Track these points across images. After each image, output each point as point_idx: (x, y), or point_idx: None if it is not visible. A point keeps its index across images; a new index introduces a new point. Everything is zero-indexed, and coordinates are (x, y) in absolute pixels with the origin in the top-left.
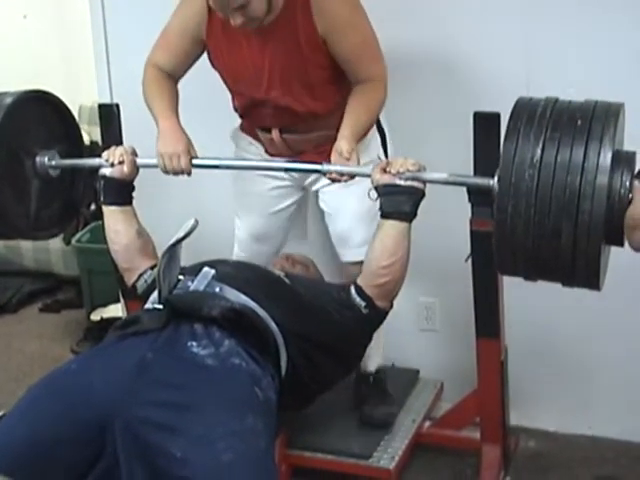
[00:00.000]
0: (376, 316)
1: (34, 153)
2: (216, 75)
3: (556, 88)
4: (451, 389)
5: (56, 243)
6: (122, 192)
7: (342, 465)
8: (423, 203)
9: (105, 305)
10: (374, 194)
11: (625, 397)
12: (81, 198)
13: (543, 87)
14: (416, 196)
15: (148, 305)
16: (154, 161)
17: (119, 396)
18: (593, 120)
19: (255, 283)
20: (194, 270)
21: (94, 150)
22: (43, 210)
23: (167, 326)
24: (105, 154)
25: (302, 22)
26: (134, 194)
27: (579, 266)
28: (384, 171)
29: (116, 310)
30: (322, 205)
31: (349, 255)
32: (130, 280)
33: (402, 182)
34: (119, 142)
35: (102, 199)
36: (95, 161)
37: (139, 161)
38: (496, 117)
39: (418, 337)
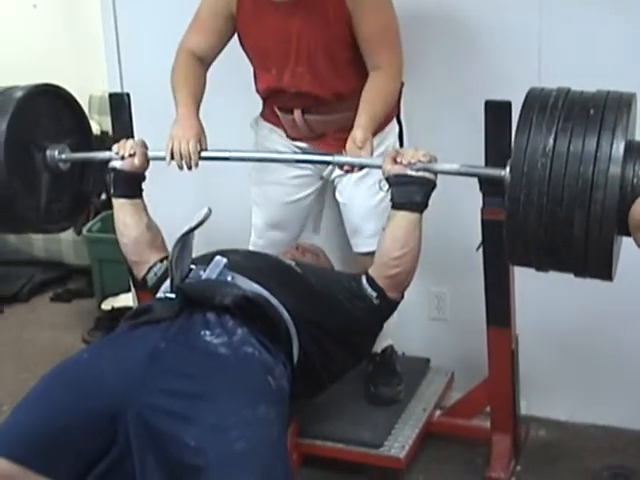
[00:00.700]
0: (387, 307)
1: (44, 147)
2: (239, 61)
3: (568, 77)
4: (461, 378)
5: (67, 233)
6: (132, 185)
7: (353, 454)
8: (434, 192)
9: (116, 294)
10: (385, 185)
11: (637, 387)
12: (91, 191)
13: (555, 77)
14: (427, 187)
15: (160, 294)
16: (164, 154)
17: (131, 385)
18: (606, 110)
19: (267, 272)
20: (206, 259)
21: (104, 140)
22: (53, 203)
23: (179, 315)
24: (115, 147)
25: None
26: (148, 183)
27: (591, 256)
28: (395, 162)
29: (127, 299)
30: (337, 195)
31: (362, 246)
32: (140, 274)
33: (413, 173)
34: (130, 132)
35: (112, 192)
36: (105, 154)
37: (150, 154)
38: (507, 105)
39: (429, 326)
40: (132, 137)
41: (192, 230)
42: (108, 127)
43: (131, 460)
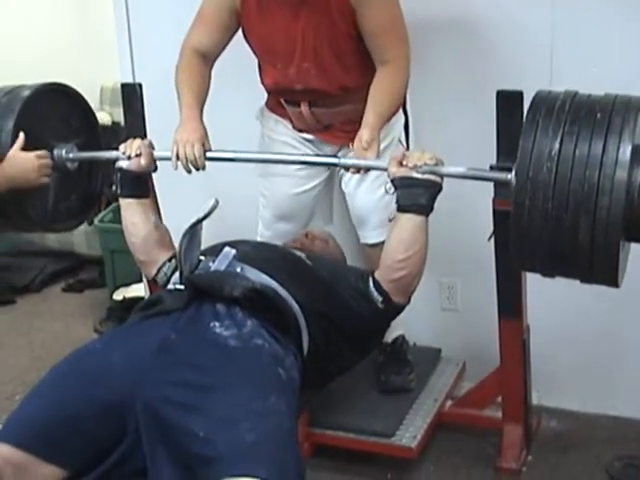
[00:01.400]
0: (391, 311)
1: (52, 146)
2: (243, 52)
3: (579, 68)
4: (473, 368)
5: None
6: (139, 185)
7: (364, 443)
8: (445, 183)
9: (127, 285)
10: (391, 187)
11: None
12: (99, 190)
13: (566, 67)
14: (433, 189)
15: (170, 286)
16: (170, 154)
17: (141, 376)
18: (613, 113)
19: (276, 263)
20: (215, 250)
21: (116, 131)
22: (61, 203)
23: (189, 306)
24: (122, 147)
25: None
26: (155, 176)
27: (597, 263)
28: (401, 164)
29: (138, 290)
30: (343, 186)
31: (369, 237)
32: (150, 274)
33: (419, 175)
34: (142, 122)
35: (119, 192)
36: (112, 154)
37: (156, 154)
38: (519, 95)
39: (440, 317)
40: (144, 127)
41: (200, 221)
42: (120, 118)
43: (143, 450)
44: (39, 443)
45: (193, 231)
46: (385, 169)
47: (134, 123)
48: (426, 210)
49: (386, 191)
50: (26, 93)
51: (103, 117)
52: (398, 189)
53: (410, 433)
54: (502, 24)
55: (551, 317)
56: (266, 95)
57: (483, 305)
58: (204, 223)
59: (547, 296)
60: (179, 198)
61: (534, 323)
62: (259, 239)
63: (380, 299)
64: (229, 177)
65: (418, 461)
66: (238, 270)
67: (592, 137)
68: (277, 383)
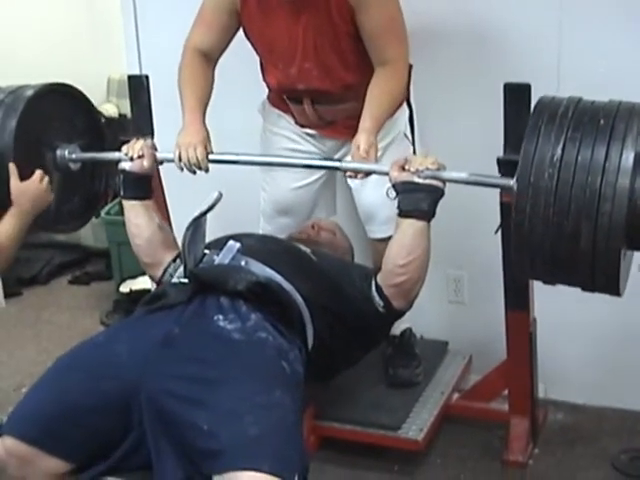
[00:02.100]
0: (392, 316)
1: (55, 146)
2: (244, 47)
3: (587, 64)
4: (480, 361)
5: None
6: (142, 186)
7: (370, 436)
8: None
9: (134, 277)
10: (392, 192)
11: None
12: (102, 192)
13: (574, 65)
14: (435, 194)
15: (174, 279)
16: (172, 156)
17: (145, 369)
18: (616, 120)
19: (281, 256)
20: (219, 243)
21: (123, 123)
22: (64, 204)
23: (193, 300)
24: (124, 148)
25: None
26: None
27: (598, 270)
28: (402, 169)
29: (145, 282)
30: (349, 181)
31: (376, 232)
32: (156, 276)
33: (421, 180)
34: (149, 114)
35: (122, 193)
36: (115, 155)
37: (159, 155)
38: (527, 88)
39: (447, 309)
40: (151, 119)
41: (203, 214)
42: (127, 110)
43: (148, 444)
44: (43, 436)
45: (197, 224)
46: (387, 173)
47: (141, 115)
48: (428, 215)
49: (387, 196)
50: (29, 93)
51: (110, 109)
52: (400, 194)
53: (417, 426)
54: (511, 19)
55: (558, 310)
56: (267, 89)
57: (490, 298)
58: (208, 216)
59: (554, 289)
60: (186, 193)
61: (541, 316)
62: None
63: (381, 304)
64: (235, 169)
65: (425, 454)
66: (242, 264)
67: (595, 143)
68: (281, 377)
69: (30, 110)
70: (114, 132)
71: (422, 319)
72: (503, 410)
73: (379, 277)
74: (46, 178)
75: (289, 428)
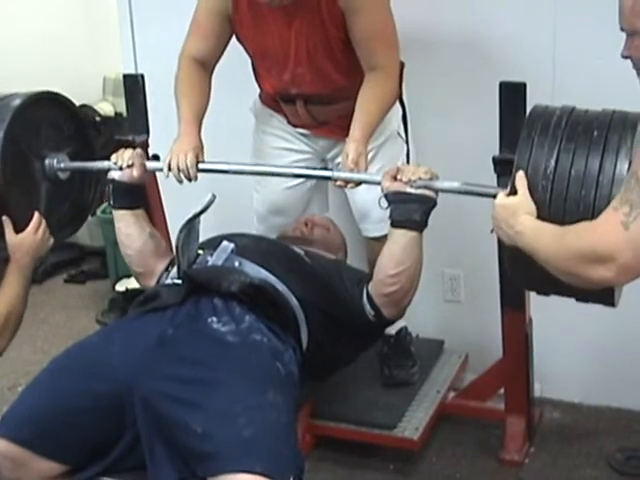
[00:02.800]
0: (382, 324)
1: (43, 155)
2: (236, 45)
3: (582, 64)
4: (476, 360)
5: None
6: (132, 196)
7: (366, 435)
8: (449, 173)
9: (130, 276)
10: (384, 202)
11: None
12: (92, 201)
13: (568, 64)
14: (427, 205)
15: (168, 280)
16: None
17: (138, 371)
18: (610, 131)
19: (275, 257)
20: (213, 243)
21: (119, 122)
22: (53, 213)
23: (187, 301)
24: (114, 157)
25: None
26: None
27: None
28: (394, 179)
29: None
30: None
31: (371, 230)
32: (148, 287)
33: (413, 190)
34: (144, 113)
35: (112, 203)
36: (104, 164)
37: (148, 165)
38: (522, 87)
39: (443, 308)
40: (146, 118)
41: (197, 216)
42: (123, 108)
43: (142, 445)
44: (37, 438)
45: (191, 225)
46: (379, 183)
47: (136, 113)
48: (420, 226)
49: (380, 205)
50: (16, 102)
51: (106, 107)
52: (392, 204)
53: (412, 425)
54: (506, 19)
55: (554, 309)
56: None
57: (486, 297)
58: (202, 217)
59: None
60: (182, 194)
61: (537, 315)
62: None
63: (372, 313)
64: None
65: (420, 453)
66: (236, 265)
67: (588, 155)
68: (275, 378)
69: (17, 119)
70: (110, 131)
71: (418, 318)
72: (499, 409)
73: (370, 286)
74: (42, 227)
75: (283, 430)
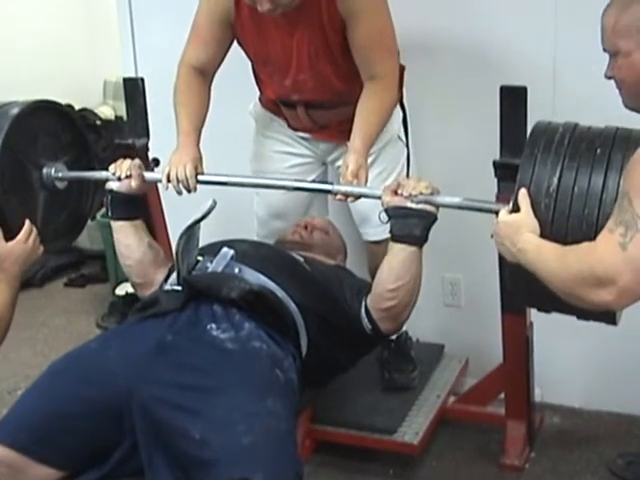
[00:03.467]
0: (378, 338)
1: (41, 164)
2: (237, 49)
3: (583, 65)
4: (476, 365)
5: None
6: (130, 207)
7: (366, 440)
8: (449, 178)
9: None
10: (385, 216)
11: None
12: (89, 210)
13: (569, 65)
14: (427, 220)
15: (167, 286)
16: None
17: (137, 377)
18: (613, 149)
19: (275, 263)
20: (213, 250)
21: (119, 125)
22: (50, 222)
23: (186, 307)
24: (112, 167)
25: (325, 4)
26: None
27: None
28: (395, 193)
29: None
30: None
31: (371, 234)
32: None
33: (413, 205)
34: (144, 116)
35: (110, 214)
36: (102, 174)
37: (146, 175)
38: (523, 91)
39: (443, 313)
40: (146, 121)
41: (197, 222)
42: (123, 112)
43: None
44: (33, 444)
45: (191, 232)
46: (379, 197)
47: (136, 117)
48: (420, 241)
49: (380, 220)
50: (14, 111)
51: (106, 111)
52: (392, 219)
53: (412, 429)
54: (507, 23)
55: (554, 314)
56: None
57: (486, 301)
58: (202, 223)
59: None
60: (183, 200)
61: (537, 320)
62: (256, 238)
63: (370, 327)
64: (230, 174)
65: (420, 457)
66: (236, 271)
67: (591, 174)
68: (275, 385)
69: (16, 128)
70: (110, 134)
71: (418, 322)
72: (499, 414)
73: (369, 299)
74: (32, 235)
75: (282, 437)
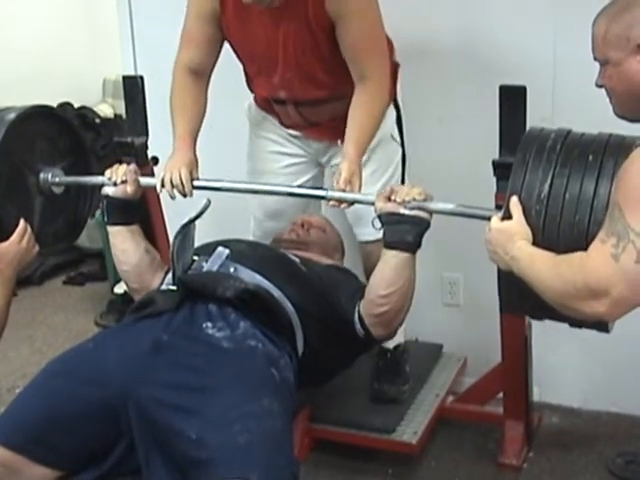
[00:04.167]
0: (371, 343)
1: (38, 170)
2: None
3: (582, 64)
4: (474, 364)
5: None
6: (126, 212)
7: (365, 439)
8: (448, 176)
9: None
10: (378, 223)
11: None
12: (87, 214)
13: (569, 64)
14: (420, 226)
15: (163, 286)
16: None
17: (133, 377)
18: (605, 156)
19: (270, 263)
20: (208, 249)
21: (118, 123)
22: (47, 226)
23: (182, 307)
24: (108, 172)
25: (312, 3)
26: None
27: None
28: (388, 199)
29: None
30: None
31: (365, 234)
32: None
33: (407, 211)
34: (143, 114)
35: (106, 219)
36: (98, 179)
37: (142, 180)
38: (522, 90)
39: (442, 312)
40: (146, 119)
41: (192, 221)
42: (122, 110)
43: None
44: (30, 444)
45: (186, 231)
46: (372, 203)
47: (136, 115)
48: (412, 247)
49: (373, 226)
50: (11, 116)
51: (105, 109)
52: (385, 225)
53: (411, 429)
54: (506, 22)
55: None
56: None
57: (485, 301)
58: (197, 222)
59: None
60: (181, 201)
61: None
62: (252, 239)
63: (362, 332)
64: (226, 174)
65: (419, 457)
66: (231, 271)
67: (583, 180)
68: (271, 384)
69: (12, 134)
70: (109, 132)
71: (417, 321)
72: (498, 413)
73: (362, 305)
74: (27, 235)
75: (278, 436)
